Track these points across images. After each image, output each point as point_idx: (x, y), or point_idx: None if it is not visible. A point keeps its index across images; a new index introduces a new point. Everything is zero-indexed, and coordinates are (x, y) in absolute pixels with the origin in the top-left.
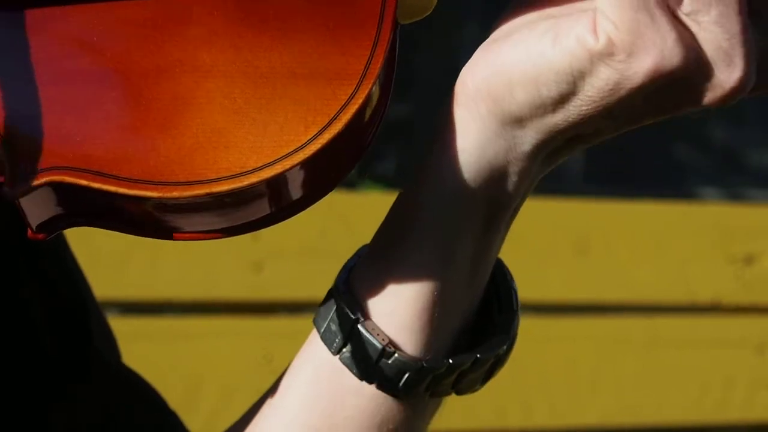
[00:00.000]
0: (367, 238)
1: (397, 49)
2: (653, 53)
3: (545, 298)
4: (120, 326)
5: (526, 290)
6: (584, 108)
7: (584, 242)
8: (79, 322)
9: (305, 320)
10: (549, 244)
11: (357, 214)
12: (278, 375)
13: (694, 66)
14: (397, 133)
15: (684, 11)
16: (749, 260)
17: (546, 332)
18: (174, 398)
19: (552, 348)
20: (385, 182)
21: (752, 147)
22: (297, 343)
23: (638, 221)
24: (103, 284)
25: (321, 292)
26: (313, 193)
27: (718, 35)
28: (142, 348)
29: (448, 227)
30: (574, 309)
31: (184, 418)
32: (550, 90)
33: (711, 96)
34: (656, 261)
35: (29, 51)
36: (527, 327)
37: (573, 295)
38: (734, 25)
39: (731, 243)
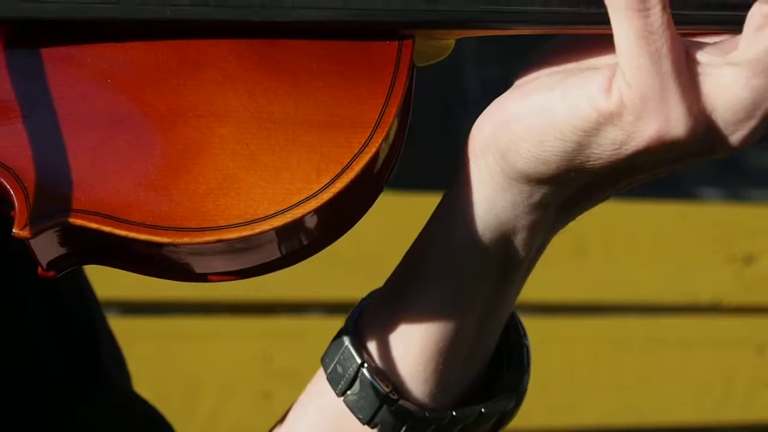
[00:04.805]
0: (366, 238)
1: (413, 93)
2: (659, 122)
3: (544, 299)
4: (120, 326)
5: (525, 290)
6: (589, 164)
7: (583, 242)
8: (89, 345)
9: (305, 320)
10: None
11: None
12: (278, 376)
13: (701, 135)
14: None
15: (722, 61)
16: (749, 260)
17: (545, 332)
18: (174, 398)
19: (551, 348)
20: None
21: (752, 147)
22: (297, 343)
23: (637, 221)
24: (103, 284)
25: (321, 293)
26: (325, 238)
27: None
28: (142, 348)
29: (458, 278)
30: (573, 309)
31: (184, 418)
32: (554, 147)
33: (719, 151)
34: (656, 261)
35: (51, 90)
36: (526, 327)
37: (572, 295)
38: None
39: (731, 243)
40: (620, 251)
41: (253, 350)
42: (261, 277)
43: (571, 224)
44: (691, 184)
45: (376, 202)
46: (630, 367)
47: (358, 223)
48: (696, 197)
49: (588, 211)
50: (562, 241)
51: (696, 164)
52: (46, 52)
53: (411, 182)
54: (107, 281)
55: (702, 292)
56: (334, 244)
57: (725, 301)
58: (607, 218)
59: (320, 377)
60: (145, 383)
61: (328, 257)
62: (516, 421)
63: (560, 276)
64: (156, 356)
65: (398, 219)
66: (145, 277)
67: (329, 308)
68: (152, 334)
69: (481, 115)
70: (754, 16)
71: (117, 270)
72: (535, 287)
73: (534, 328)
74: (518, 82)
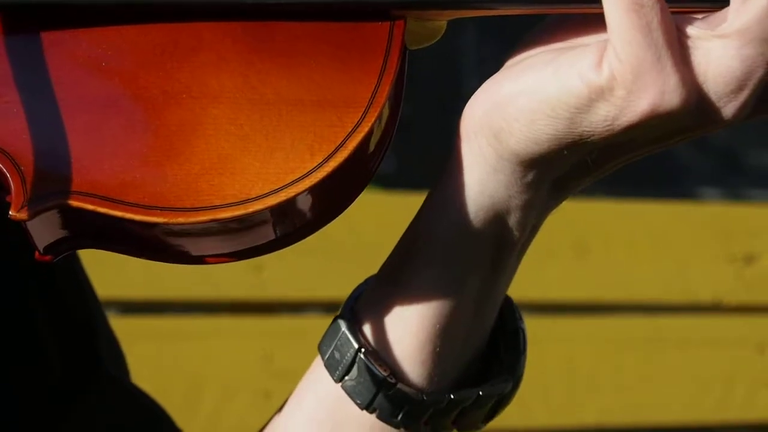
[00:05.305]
0: (367, 237)
1: (405, 74)
2: (652, 94)
3: (545, 298)
4: (120, 326)
5: (526, 290)
6: (582, 142)
7: (584, 242)
8: (88, 341)
9: (306, 320)
10: (549, 244)
11: (357, 213)
12: (278, 375)
13: (693, 108)
14: (396, 133)
15: (714, 33)
16: (749, 260)
17: (545, 332)
18: (175, 398)
19: (551, 348)
20: (384, 182)
21: (752, 147)
22: (298, 342)
23: (638, 221)
24: (103, 284)
25: (321, 292)
26: (319, 219)
27: (731, 67)
28: (143, 348)
29: (452, 260)
30: (574, 309)
31: (186, 417)
32: (547, 125)
33: (712, 125)
34: (656, 261)
35: (47, 74)
36: (526, 327)
37: (572, 294)
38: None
39: (731, 243)
40: (620, 251)
41: (253, 350)
42: (261, 276)
43: (571, 224)
44: (691, 184)
45: (375, 202)
46: (630, 367)
47: (358, 223)
48: (696, 197)
49: (588, 211)
50: (562, 241)
51: (696, 164)
52: (44, 37)
53: (410, 182)
54: (108, 280)
55: (702, 291)
56: (334, 243)
57: (725, 301)
58: (608, 218)
59: (317, 365)
60: (146, 383)
61: (328, 257)
62: (516, 421)
63: (561, 275)
64: (157, 356)
65: (398, 218)
66: (145, 276)
67: (329, 307)
68: (153, 333)
69: (473, 97)
70: None
71: (117, 269)
72: (535, 287)
73: (534, 328)
74: (509, 63)
